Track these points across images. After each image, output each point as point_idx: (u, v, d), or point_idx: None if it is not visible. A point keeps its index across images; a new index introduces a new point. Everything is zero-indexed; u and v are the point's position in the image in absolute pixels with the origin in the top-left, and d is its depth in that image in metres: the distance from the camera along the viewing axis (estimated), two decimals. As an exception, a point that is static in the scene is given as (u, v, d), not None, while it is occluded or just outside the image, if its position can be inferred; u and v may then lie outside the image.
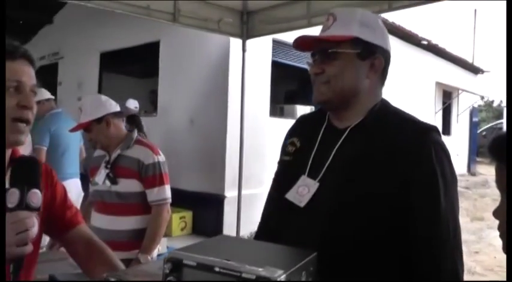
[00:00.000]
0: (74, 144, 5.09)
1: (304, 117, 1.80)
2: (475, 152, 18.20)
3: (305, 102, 8.79)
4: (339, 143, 1.49)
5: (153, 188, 2.84)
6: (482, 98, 18.87)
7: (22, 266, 1.23)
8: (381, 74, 1.55)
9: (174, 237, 6.83)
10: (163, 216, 2.87)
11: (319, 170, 1.49)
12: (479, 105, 21.97)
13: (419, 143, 1.41)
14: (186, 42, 7.65)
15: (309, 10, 4.67)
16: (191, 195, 7.31)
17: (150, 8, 4.64)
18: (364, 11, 1.55)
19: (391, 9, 4.25)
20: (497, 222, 1.06)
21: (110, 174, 2.86)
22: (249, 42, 5.59)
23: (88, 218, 2.91)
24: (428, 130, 1.46)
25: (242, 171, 5.74)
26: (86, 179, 5.82)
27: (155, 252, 2.88)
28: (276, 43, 7.58)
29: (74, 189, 4.78)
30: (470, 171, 17.81)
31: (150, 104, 9.76)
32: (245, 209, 5.72)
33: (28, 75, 1.36)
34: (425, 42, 13.46)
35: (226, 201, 6.99)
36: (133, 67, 10.66)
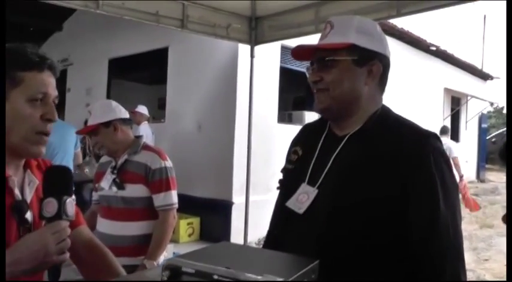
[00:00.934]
0: (70, 152, 5.14)
1: (307, 126, 1.81)
2: (484, 158, 18.06)
3: (313, 108, 8.74)
4: (338, 150, 1.50)
5: (160, 193, 2.83)
6: (491, 104, 18.75)
7: (59, 274, 1.25)
8: (380, 80, 1.54)
9: (181, 244, 6.82)
10: (169, 222, 2.85)
11: (318, 177, 1.50)
12: (488, 112, 21.81)
13: (419, 149, 1.40)
14: (195, 49, 7.67)
15: (317, 16, 4.66)
16: (199, 201, 7.30)
17: (159, 14, 4.65)
18: (362, 18, 1.55)
19: (399, 15, 4.23)
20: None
21: (117, 179, 2.85)
22: (258, 48, 5.59)
23: (92, 226, 2.90)
24: (427, 136, 1.45)
25: (250, 177, 5.72)
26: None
27: (161, 258, 2.85)
28: (285, 49, 7.57)
29: None
30: (480, 178, 17.68)
31: (159, 110, 9.79)
32: (253, 215, 5.70)
33: (52, 86, 1.36)
34: (433, 48, 13.41)
35: (234, 207, 6.98)
36: (142, 73, 10.71)
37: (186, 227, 7.23)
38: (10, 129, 1.29)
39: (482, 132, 18.20)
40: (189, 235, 7.22)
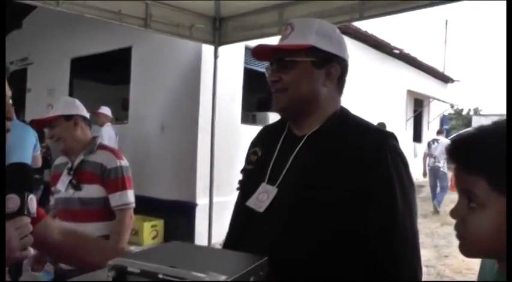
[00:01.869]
0: (27, 154, 5.02)
1: (266, 127, 1.82)
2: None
3: (272, 108, 8.79)
4: (296, 150, 1.52)
5: (116, 192, 2.80)
6: (452, 106, 19.21)
7: (21, 271, 1.22)
8: (338, 82, 1.56)
9: (145, 246, 6.74)
10: (126, 222, 2.82)
11: (277, 176, 1.51)
12: (449, 114, 22.39)
13: (376, 149, 1.42)
14: (158, 49, 7.60)
15: (281, 17, 4.67)
16: (163, 204, 7.24)
17: (122, 13, 4.58)
18: (322, 21, 1.57)
19: (362, 18, 4.29)
20: None
21: (73, 180, 2.80)
22: (221, 48, 5.57)
23: None
24: (385, 136, 1.48)
25: (213, 178, 5.70)
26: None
27: None
28: (249, 50, 7.56)
29: None
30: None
31: (122, 111, 9.67)
32: (217, 217, 5.68)
33: (6, 86, 1.33)
34: (397, 51, 13.68)
35: (198, 209, 6.94)
36: (105, 73, 10.55)
37: (150, 229, 7.15)
38: None
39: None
40: (153, 238, 7.15)
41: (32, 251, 1.26)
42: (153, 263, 0.98)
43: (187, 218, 6.96)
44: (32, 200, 1.26)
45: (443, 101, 17.50)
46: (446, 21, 27.88)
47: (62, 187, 2.83)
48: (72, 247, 1.55)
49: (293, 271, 1.38)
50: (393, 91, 14.18)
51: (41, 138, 5.77)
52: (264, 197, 1.51)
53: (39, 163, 5.32)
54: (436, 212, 10.80)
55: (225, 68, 6.62)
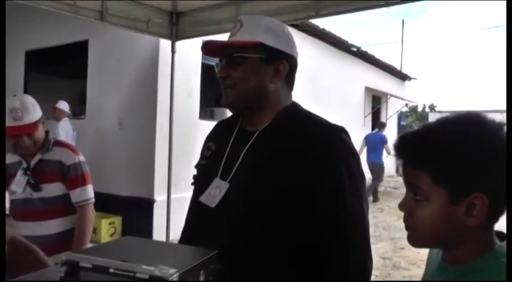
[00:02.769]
0: None
1: (221, 122, 1.84)
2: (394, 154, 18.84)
3: (221, 103, 8.78)
4: (248, 145, 1.54)
5: (76, 188, 2.79)
6: (406, 104, 19.67)
7: None
8: (287, 78, 1.59)
9: (102, 243, 6.66)
10: (88, 217, 2.83)
11: (229, 172, 1.53)
12: (406, 111, 22.93)
13: (325, 142, 1.45)
14: (115, 43, 7.49)
15: (237, 13, 4.66)
16: (120, 200, 7.16)
17: (77, 5, 4.49)
18: (271, 19, 1.59)
19: (318, 16, 4.32)
20: None
21: (31, 180, 2.73)
22: (179, 43, 5.53)
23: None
24: (334, 130, 1.51)
25: (171, 174, 5.67)
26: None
27: None
28: (206, 45, 7.55)
29: None
30: (399, 172, 18.45)
31: (80, 106, 9.48)
32: (175, 213, 5.65)
33: None
34: (355, 49, 13.88)
35: (155, 205, 6.89)
36: (61, 67, 10.30)
37: (108, 226, 7.06)
38: None
39: (401, 130, 19.03)
40: (111, 235, 7.06)
41: None
42: (105, 257, 0.99)
43: (145, 214, 6.90)
44: None
45: (401, 98, 17.91)
46: (403, 20, 28.46)
47: (19, 188, 2.75)
48: (12, 259, 1.51)
49: (245, 264, 1.41)
50: (351, 88, 14.39)
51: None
52: (216, 192, 1.53)
53: None
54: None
55: (183, 63, 6.59)
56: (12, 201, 2.77)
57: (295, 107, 1.61)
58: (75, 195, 2.79)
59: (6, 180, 2.80)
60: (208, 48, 1.60)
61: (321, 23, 11.24)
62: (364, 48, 14.64)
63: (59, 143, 2.88)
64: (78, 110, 9.23)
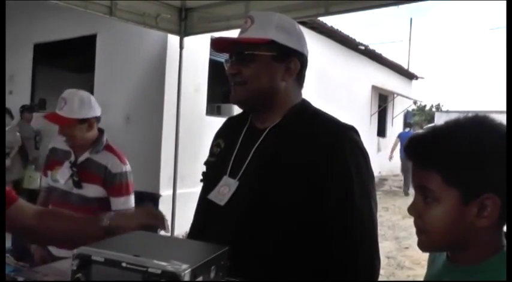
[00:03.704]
0: None
1: (230, 119, 1.83)
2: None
3: (229, 100, 8.79)
4: (258, 143, 1.54)
5: (120, 197, 2.78)
6: (415, 102, 19.58)
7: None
8: (298, 76, 1.58)
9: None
10: None
11: (239, 170, 1.53)
12: (412, 110, 22.86)
13: (334, 140, 1.46)
14: (124, 37, 7.50)
15: (247, 10, 4.67)
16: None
17: (87, 0, 4.51)
18: (282, 16, 1.58)
19: (327, 13, 4.33)
20: None
21: (75, 177, 2.74)
22: (187, 39, 5.54)
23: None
24: (344, 129, 1.51)
25: (177, 169, 5.69)
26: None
27: None
28: (215, 41, 7.55)
29: None
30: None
31: (86, 99, 9.50)
32: (180, 208, 5.66)
33: None
34: (362, 47, 13.85)
35: (161, 200, 6.90)
36: (69, 61, 10.33)
37: (113, 219, 7.07)
38: None
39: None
40: (116, 228, 7.08)
41: None
42: (117, 251, 0.99)
43: (150, 208, 6.92)
44: None
45: (407, 97, 17.86)
46: (411, 19, 28.37)
47: (62, 179, 2.77)
48: (48, 228, 1.50)
49: (254, 262, 1.41)
50: (358, 86, 14.37)
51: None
52: (225, 190, 1.53)
53: None
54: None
55: (191, 59, 6.58)
56: (53, 189, 2.85)
57: (306, 105, 1.61)
58: (119, 203, 2.78)
59: (52, 165, 2.87)
60: (218, 45, 1.60)
61: (329, 20, 11.22)
62: (371, 47, 14.61)
63: (110, 148, 2.87)
64: (85, 104, 9.24)
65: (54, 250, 2.77)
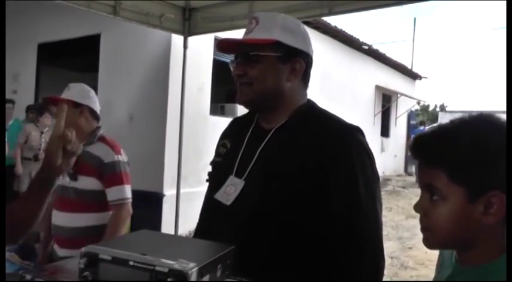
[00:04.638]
0: None
1: (236, 119, 1.84)
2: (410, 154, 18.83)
3: (235, 100, 8.79)
4: (264, 143, 1.54)
5: (112, 187, 2.76)
6: (418, 102, 19.56)
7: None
8: (303, 77, 1.58)
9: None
10: (122, 217, 2.78)
11: (245, 169, 1.54)
12: (416, 109, 22.83)
13: (340, 141, 1.46)
14: (127, 37, 7.51)
15: (251, 10, 4.68)
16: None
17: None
18: (286, 16, 1.59)
19: (331, 13, 4.33)
20: None
21: (70, 169, 2.77)
22: (191, 39, 5.56)
23: (49, 215, 2.84)
24: (350, 130, 1.51)
25: (181, 169, 5.70)
26: None
27: None
28: (218, 41, 7.56)
29: None
30: (408, 171, 18.47)
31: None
32: (184, 208, 5.68)
33: None
34: (366, 47, 13.83)
35: (165, 200, 6.92)
36: (73, 60, 10.34)
37: (117, 219, 7.08)
38: None
39: (410, 129, 18.98)
40: (119, 227, 7.09)
41: None
42: (124, 250, 1.00)
43: (154, 208, 6.92)
44: None
45: (411, 97, 17.84)
46: (415, 19, 28.39)
47: None
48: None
49: (259, 261, 1.41)
50: (362, 86, 14.35)
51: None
52: (231, 190, 1.53)
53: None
54: None
55: (195, 59, 6.60)
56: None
57: (311, 105, 1.61)
58: (112, 193, 2.76)
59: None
60: (223, 46, 1.60)
61: (333, 20, 11.20)
62: (375, 47, 14.59)
63: (104, 139, 2.88)
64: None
65: (59, 250, 2.78)
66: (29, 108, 8.04)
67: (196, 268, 0.93)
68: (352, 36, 12.72)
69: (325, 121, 1.54)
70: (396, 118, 17.60)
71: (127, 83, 7.61)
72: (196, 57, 6.77)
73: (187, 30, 5.43)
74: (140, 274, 0.95)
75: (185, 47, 5.53)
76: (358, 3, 4.16)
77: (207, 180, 1.73)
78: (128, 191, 2.83)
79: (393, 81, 16.62)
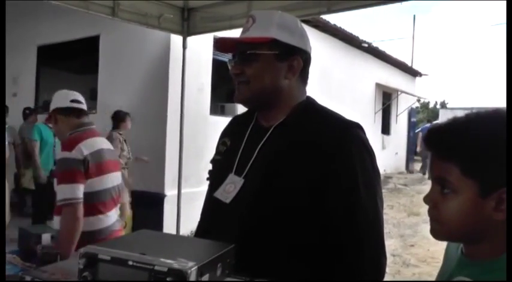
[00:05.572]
0: None
1: (236, 118, 1.83)
2: (413, 151, 18.87)
3: (233, 99, 8.80)
4: (263, 140, 1.54)
5: (57, 185, 2.57)
6: (418, 100, 19.54)
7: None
8: (301, 74, 1.57)
9: (112, 237, 6.69)
10: (66, 219, 2.52)
11: (244, 167, 1.53)
12: (416, 107, 22.82)
13: (340, 138, 1.45)
14: (127, 38, 7.51)
15: (249, 9, 4.67)
16: (131, 195, 7.19)
17: (89, 0, 4.53)
18: (283, 14, 1.57)
19: (329, 11, 4.33)
20: None
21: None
22: (190, 39, 5.56)
23: None
24: (350, 126, 1.50)
25: (182, 169, 5.70)
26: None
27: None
28: (217, 41, 7.55)
29: None
30: (409, 169, 18.48)
31: (91, 101, 9.52)
32: (185, 208, 5.69)
33: None
34: (366, 45, 13.83)
35: (166, 200, 6.93)
36: (73, 62, 10.35)
37: (118, 220, 7.09)
38: None
39: (411, 126, 18.98)
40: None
41: None
42: (123, 250, 1.00)
43: (155, 209, 6.93)
44: None
45: (411, 94, 17.83)
46: (414, 16, 28.34)
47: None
48: None
49: (259, 260, 1.40)
50: (362, 84, 14.35)
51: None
52: (231, 188, 1.53)
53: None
54: None
55: (194, 59, 6.60)
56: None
57: (310, 102, 1.61)
58: (57, 192, 2.55)
59: None
60: (221, 45, 1.60)
61: (332, 18, 11.18)
62: (375, 44, 14.59)
63: (68, 138, 2.79)
64: (89, 105, 9.23)
65: None
66: (26, 111, 7.98)
67: (196, 267, 0.92)
68: (351, 34, 12.71)
69: (325, 118, 1.54)
70: (397, 115, 17.59)
71: (127, 84, 7.61)
72: (195, 57, 6.77)
73: (186, 30, 5.43)
74: (139, 274, 0.95)
75: (184, 47, 5.54)
76: (357, 1, 4.17)
77: (207, 179, 1.73)
78: (70, 190, 2.53)
79: (393, 78, 16.62)
